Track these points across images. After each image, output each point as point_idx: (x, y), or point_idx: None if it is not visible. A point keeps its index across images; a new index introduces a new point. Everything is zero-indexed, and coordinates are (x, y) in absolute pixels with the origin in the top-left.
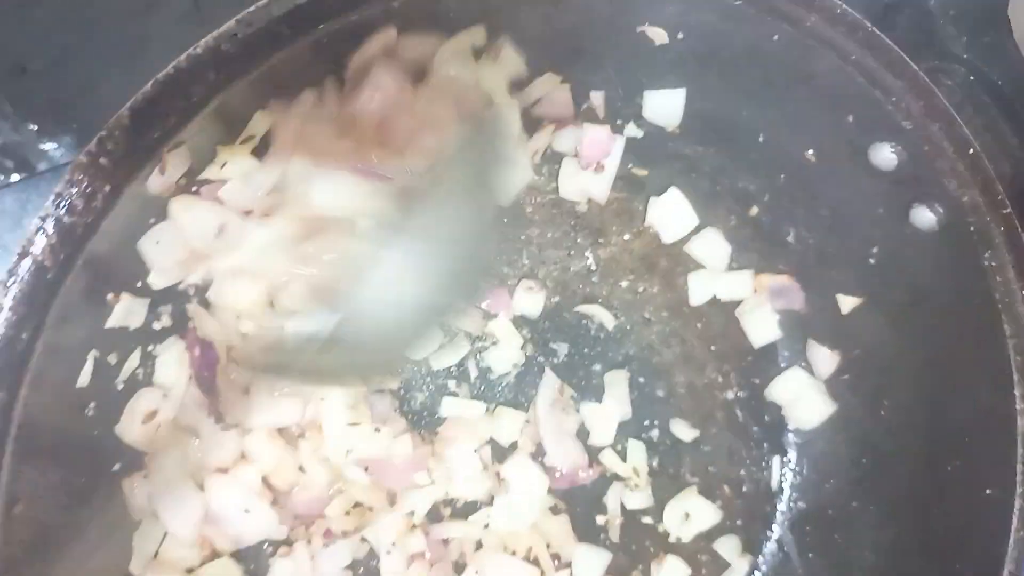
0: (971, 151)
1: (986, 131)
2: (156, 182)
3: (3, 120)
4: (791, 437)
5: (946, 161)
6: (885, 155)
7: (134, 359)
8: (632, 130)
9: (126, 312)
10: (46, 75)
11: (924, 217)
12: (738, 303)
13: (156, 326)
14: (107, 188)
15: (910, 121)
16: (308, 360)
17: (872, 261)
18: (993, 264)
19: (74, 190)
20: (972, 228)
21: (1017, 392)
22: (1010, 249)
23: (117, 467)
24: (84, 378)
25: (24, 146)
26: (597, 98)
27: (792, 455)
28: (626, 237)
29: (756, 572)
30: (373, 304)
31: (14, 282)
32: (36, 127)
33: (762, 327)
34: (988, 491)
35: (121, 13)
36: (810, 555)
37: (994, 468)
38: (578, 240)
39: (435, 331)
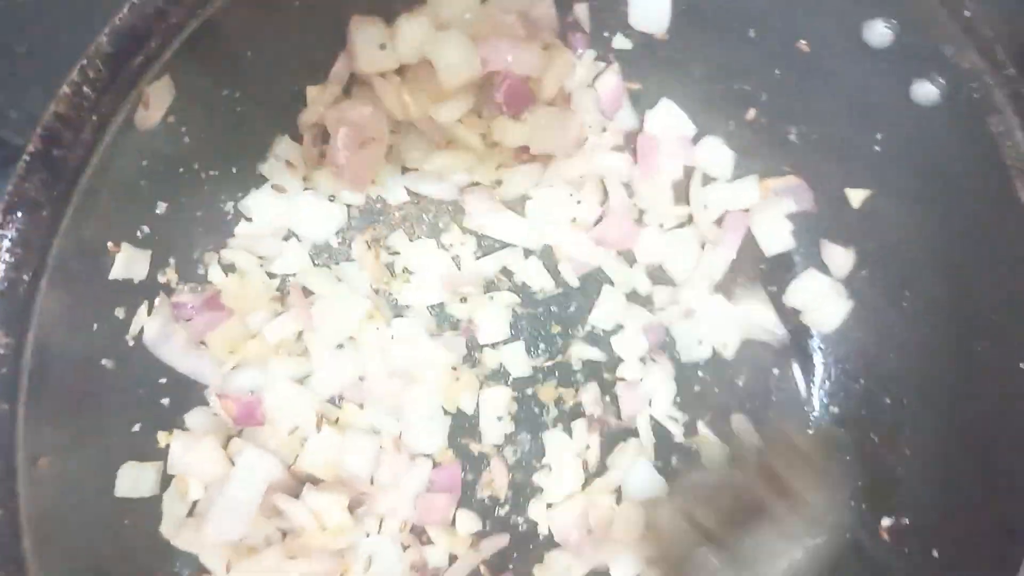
0: (966, 13)
1: None
2: (143, 117)
3: None
4: (815, 341)
5: (941, 27)
6: (879, 31)
7: (142, 314)
8: (621, 41)
9: (128, 262)
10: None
11: (926, 91)
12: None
13: (161, 279)
14: (94, 118)
15: None
16: None
17: (878, 148)
18: (1001, 129)
19: (58, 123)
20: (975, 95)
21: None
22: (1017, 111)
23: (137, 428)
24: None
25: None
26: (581, 10)
27: (818, 359)
28: None
29: None
30: None
31: (10, 221)
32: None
33: (774, 234)
34: (1022, 364)
35: None
36: (848, 458)
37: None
38: None
39: None
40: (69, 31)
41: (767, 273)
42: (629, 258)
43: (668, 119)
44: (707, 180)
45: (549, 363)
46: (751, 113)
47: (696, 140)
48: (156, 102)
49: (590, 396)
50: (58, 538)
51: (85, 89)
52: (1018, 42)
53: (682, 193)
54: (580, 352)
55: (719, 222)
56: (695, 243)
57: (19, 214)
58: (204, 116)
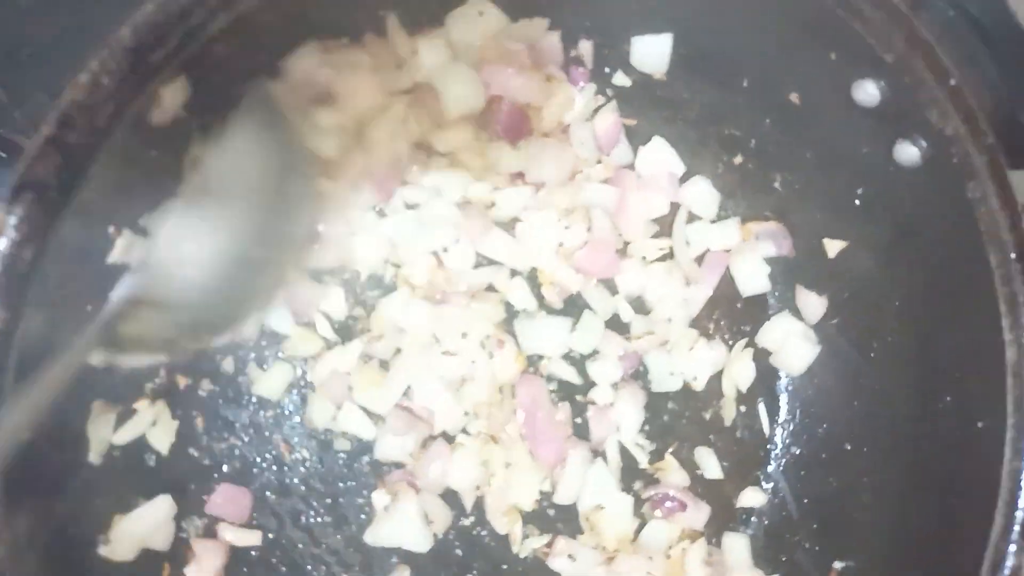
0: (952, 82)
1: (967, 64)
2: (156, 113)
3: None
4: (782, 383)
5: (928, 92)
6: (868, 91)
7: None
8: (620, 78)
9: (127, 248)
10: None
11: (908, 152)
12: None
13: None
14: (109, 108)
15: (891, 54)
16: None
17: (857, 202)
18: (977, 195)
19: (74, 109)
20: (955, 160)
21: (1005, 323)
22: (993, 179)
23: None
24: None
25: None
26: (585, 47)
27: (784, 400)
28: None
29: (751, 518)
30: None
31: (19, 199)
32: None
33: (751, 276)
34: (980, 424)
35: None
36: (805, 500)
37: (985, 400)
38: None
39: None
40: (74, 35)
41: (742, 312)
42: (611, 286)
43: (659, 156)
44: (691, 218)
45: None
46: (739, 158)
47: (684, 179)
48: (170, 100)
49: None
50: (30, 506)
51: (103, 79)
52: (999, 112)
53: (666, 228)
54: (555, 371)
55: (699, 260)
56: (675, 277)
57: (28, 194)
58: (214, 112)
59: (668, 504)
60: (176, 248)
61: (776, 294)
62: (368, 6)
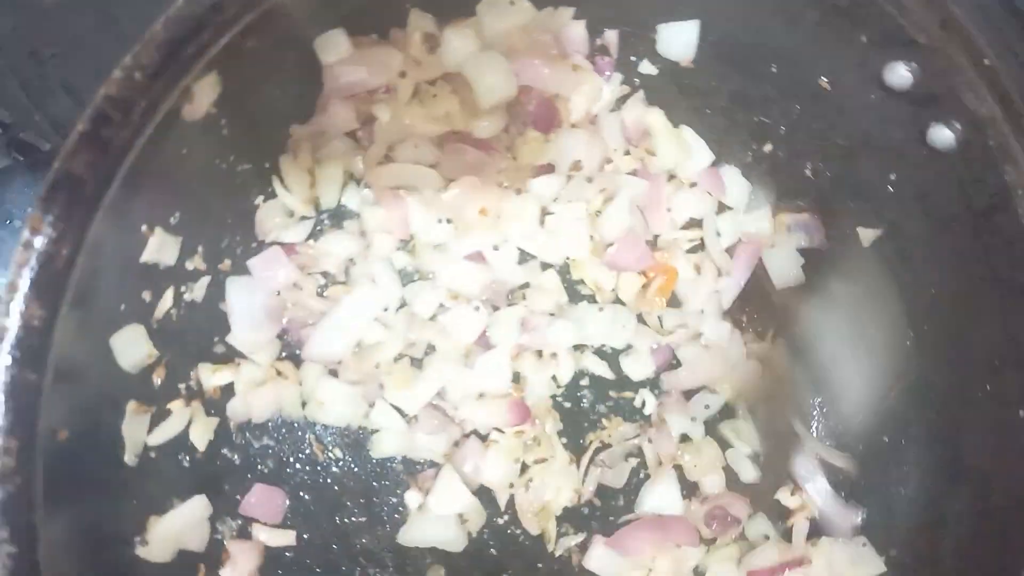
0: (987, 62)
1: (1000, 45)
2: (188, 110)
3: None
4: (817, 374)
5: (962, 74)
6: (900, 74)
7: (167, 299)
8: (647, 67)
9: (159, 247)
10: (59, 61)
11: (942, 136)
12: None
13: (189, 266)
14: (143, 103)
15: (924, 35)
16: None
17: (891, 189)
18: (1015, 178)
19: (109, 104)
20: (991, 143)
21: None
22: None
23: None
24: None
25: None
26: (611, 36)
27: (819, 392)
28: None
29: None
30: None
31: (54, 196)
32: (50, 115)
33: (784, 267)
34: (1021, 412)
35: None
36: (842, 494)
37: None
38: None
39: None
40: (95, 38)
41: (775, 304)
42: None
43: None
44: (722, 208)
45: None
46: (768, 146)
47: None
48: (202, 96)
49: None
50: (68, 506)
51: (136, 74)
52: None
53: (696, 219)
54: (589, 366)
55: (730, 251)
56: (706, 269)
57: (64, 191)
58: (244, 111)
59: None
60: None
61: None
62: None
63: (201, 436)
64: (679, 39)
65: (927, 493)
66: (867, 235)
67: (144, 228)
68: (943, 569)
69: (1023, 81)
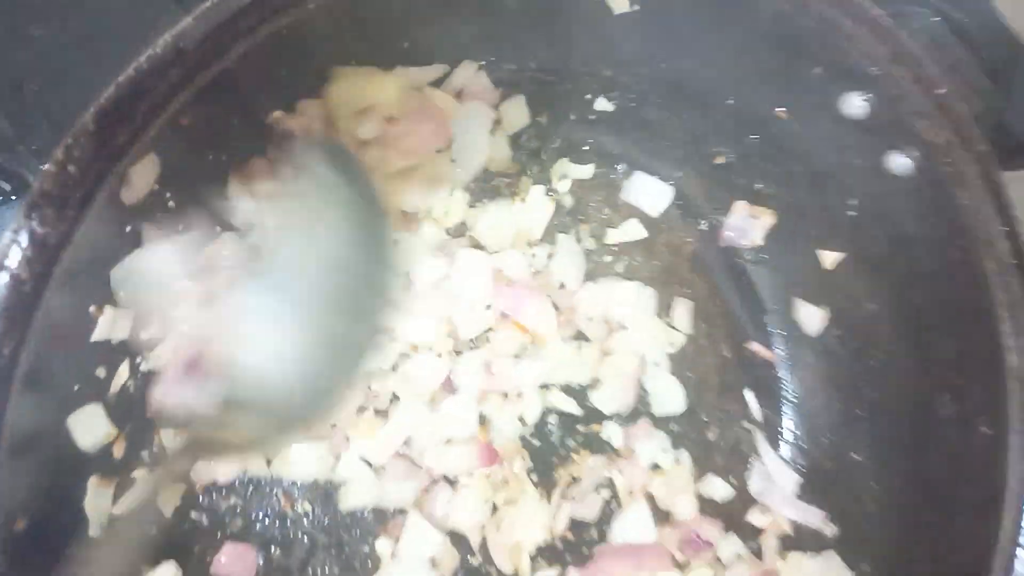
0: (941, 91)
1: (955, 72)
2: (127, 193)
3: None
4: (785, 395)
5: (916, 103)
6: (855, 104)
7: (123, 373)
8: (603, 104)
9: (110, 324)
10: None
11: (900, 163)
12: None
13: (144, 336)
14: (78, 195)
15: (877, 67)
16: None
17: (851, 214)
18: (970, 203)
19: (43, 200)
20: (947, 169)
21: (1005, 329)
22: (987, 187)
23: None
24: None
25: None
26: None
27: (787, 412)
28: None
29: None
30: (261, 360)
31: None
32: (34, 147)
33: None
34: (983, 429)
35: (120, 31)
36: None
37: (987, 407)
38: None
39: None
40: (80, 68)
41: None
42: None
43: (645, 187)
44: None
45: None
46: (728, 174)
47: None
48: (140, 178)
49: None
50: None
51: (70, 168)
52: (989, 116)
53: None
54: (556, 403)
55: None
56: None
57: (2, 291)
58: (188, 182)
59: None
60: (252, 340)
61: (774, 308)
62: None
63: (167, 502)
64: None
65: (895, 510)
66: (829, 258)
67: (93, 309)
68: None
69: (976, 108)
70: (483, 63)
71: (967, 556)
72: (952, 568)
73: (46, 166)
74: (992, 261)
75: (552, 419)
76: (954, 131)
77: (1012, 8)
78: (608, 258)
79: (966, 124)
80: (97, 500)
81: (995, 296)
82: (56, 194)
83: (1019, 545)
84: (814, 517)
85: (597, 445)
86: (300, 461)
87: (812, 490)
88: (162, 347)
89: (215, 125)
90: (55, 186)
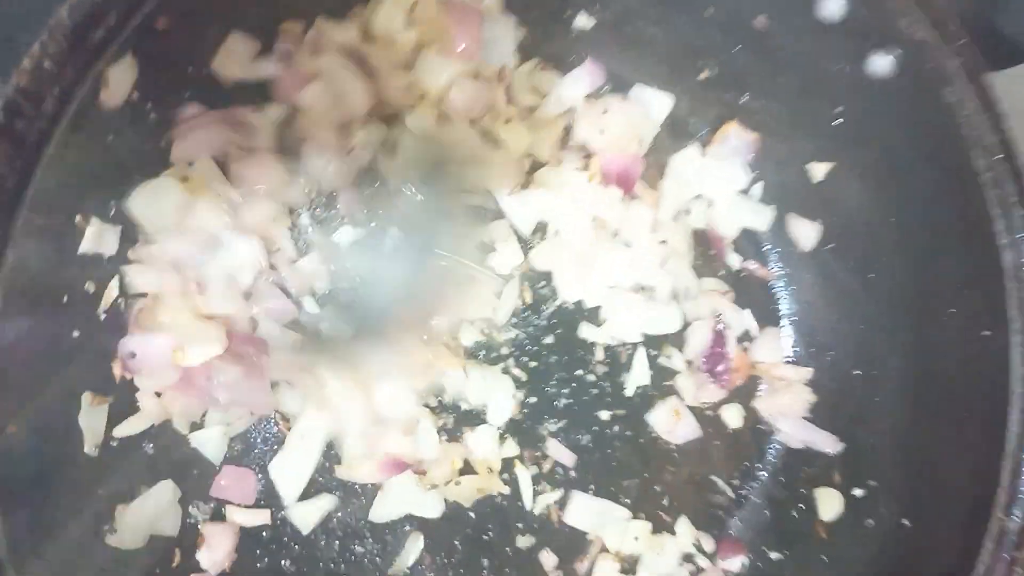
0: None
1: None
2: (106, 96)
3: None
4: (784, 314)
5: (893, 0)
6: (832, 6)
7: (113, 289)
8: (583, 20)
9: (97, 237)
10: None
11: (882, 63)
12: None
13: (132, 255)
14: (55, 91)
15: None
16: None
17: (839, 122)
18: (955, 100)
19: (20, 96)
20: (930, 66)
21: (999, 227)
22: (971, 81)
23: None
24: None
25: None
26: None
27: (787, 332)
28: None
29: (768, 456)
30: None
31: None
32: None
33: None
34: (985, 332)
35: None
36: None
37: (988, 309)
38: None
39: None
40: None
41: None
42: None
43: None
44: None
45: None
46: (714, 90)
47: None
48: (118, 82)
49: None
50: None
51: (46, 63)
52: (971, 12)
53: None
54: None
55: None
56: None
57: None
58: (170, 92)
59: None
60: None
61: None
62: None
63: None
64: None
65: (902, 424)
66: (819, 169)
67: (78, 219)
68: (915, 502)
69: (965, 8)
70: None
71: (975, 465)
72: (961, 477)
73: (23, 63)
74: (982, 158)
75: None
76: (934, 27)
77: None
78: None
79: (946, 19)
80: (91, 417)
81: (986, 195)
82: (32, 89)
83: None
84: (821, 438)
85: None
86: None
87: (816, 407)
88: None
89: (193, 35)
90: (31, 82)
